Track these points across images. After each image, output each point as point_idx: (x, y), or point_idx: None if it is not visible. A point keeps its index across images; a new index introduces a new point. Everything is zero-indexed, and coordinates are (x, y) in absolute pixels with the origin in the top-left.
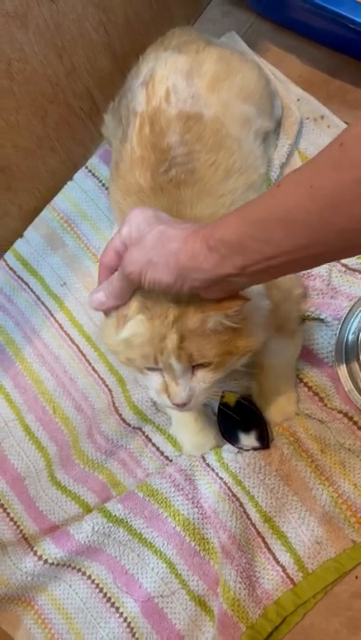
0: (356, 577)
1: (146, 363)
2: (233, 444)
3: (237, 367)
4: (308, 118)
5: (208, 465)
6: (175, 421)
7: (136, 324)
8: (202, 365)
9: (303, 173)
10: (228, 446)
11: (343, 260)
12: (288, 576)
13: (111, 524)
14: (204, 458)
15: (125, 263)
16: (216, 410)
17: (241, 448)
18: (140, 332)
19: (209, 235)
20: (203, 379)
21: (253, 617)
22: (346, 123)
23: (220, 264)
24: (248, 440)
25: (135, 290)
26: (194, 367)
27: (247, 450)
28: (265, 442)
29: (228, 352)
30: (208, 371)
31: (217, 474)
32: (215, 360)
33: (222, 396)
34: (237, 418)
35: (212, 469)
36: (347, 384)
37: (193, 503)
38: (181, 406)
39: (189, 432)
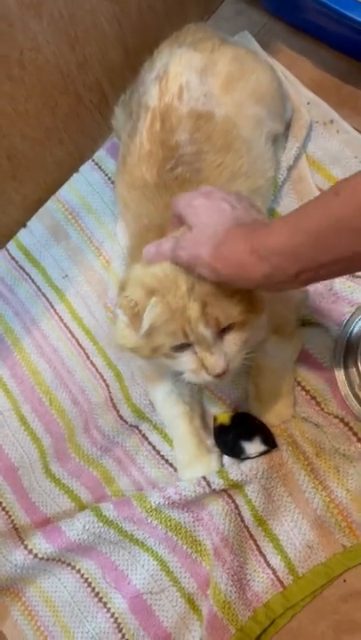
0: (345, 580)
1: (175, 340)
2: (240, 458)
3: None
4: (317, 122)
5: (208, 484)
6: (176, 443)
7: (153, 309)
8: (228, 329)
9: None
10: (230, 462)
11: None
12: (278, 579)
13: (102, 525)
14: (205, 478)
15: (178, 245)
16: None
17: (248, 457)
18: (160, 313)
19: (259, 244)
20: (233, 341)
21: (243, 619)
22: (355, 129)
23: (272, 273)
24: (254, 447)
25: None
26: (221, 332)
27: (255, 456)
28: (271, 443)
29: (249, 310)
30: (235, 332)
31: (218, 489)
32: (240, 318)
33: (215, 419)
34: (237, 431)
35: (215, 490)
36: (344, 389)
37: (185, 510)
38: (221, 375)
39: (190, 456)
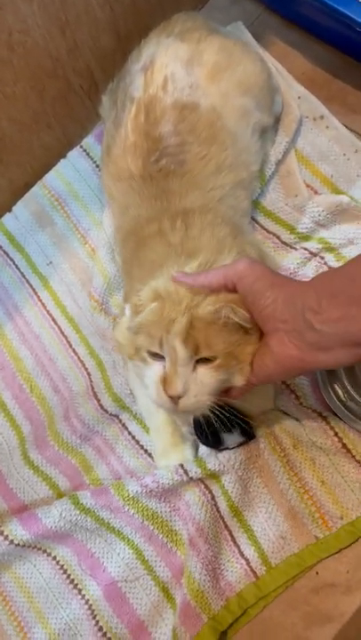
0: (317, 573)
1: (151, 344)
2: (219, 449)
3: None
4: (307, 117)
5: (186, 472)
6: (152, 431)
7: (151, 310)
8: (205, 362)
9: None
10: (207, 451)
11: (330, 263)
12: (252, 569)
13: (79, 513)
14: (183, 467)
15: (243, 265)
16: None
17: (227, 448)
18: (152, 316)
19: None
20: (202, 376)
21: (215, 608)
22: (345, 125)
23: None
24: (232, 438)
25: (150, 280)
26: (196, 363)
27: (233, 447)
28: (250, 434)
29: (234, 355)
30: (210, 368)
31: (196, 477)
32: (220, 357)
33: None
34: (216, 422)
35: (192, 478)
36: (322, 385)
37: (162, 499)
38: (175, 401)
39: (164, 442)
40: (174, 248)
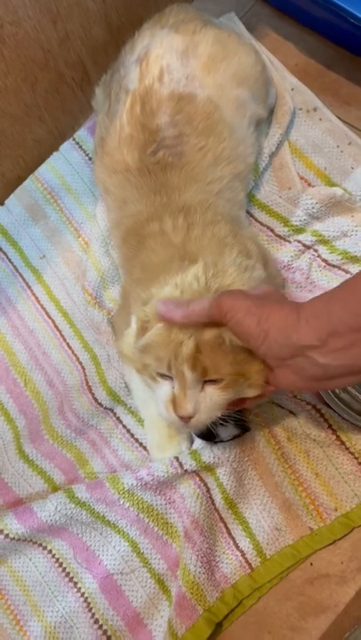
0: (311, 564)
1: (159, 367)
2: (213, 441)
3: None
4: (300, 109)
5: (181, 465)
6: (147, 423)
7: (157, 331)
8: (213, 382)
9: None
10: (202, 444)
11: (323, 255)
12: (247, 561)
13: (74, 506)
14: (178, 460)
15: (226, 306)
16: None
17: (222, 441)
18: (159, 337)
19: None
20: (211, 395)
21: (211, 600)
22: (338, 117)
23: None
24: (227, 431)
25: (153, 286)
26: (204, 383)
27: (228, 440)
28: (244, 426)
29: (241, 374)
30: (218, 388)
31: (190, 470)
32: (227, 378)
33: None
34: None
35: (187, 470)
36: None
37: (158, 492)
38: (186, 420)
39: (159, 435)
40: (176, 250)
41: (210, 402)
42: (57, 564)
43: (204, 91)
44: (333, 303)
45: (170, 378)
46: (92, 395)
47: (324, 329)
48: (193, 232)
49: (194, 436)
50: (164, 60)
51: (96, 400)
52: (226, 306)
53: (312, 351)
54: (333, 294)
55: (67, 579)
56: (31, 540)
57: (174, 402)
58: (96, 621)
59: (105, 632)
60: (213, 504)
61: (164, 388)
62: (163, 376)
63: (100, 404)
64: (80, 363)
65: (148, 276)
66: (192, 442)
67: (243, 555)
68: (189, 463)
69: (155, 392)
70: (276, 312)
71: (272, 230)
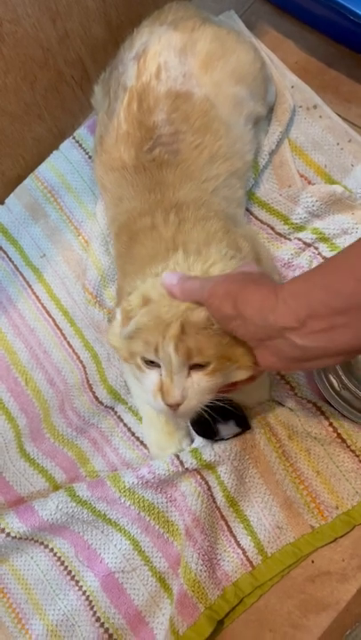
0: (313, 561)
1: (147, 352)
2: (213, 439)
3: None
4: (300, 107)
5: (182, 463)
6: (145, 421)
7: (144, 314)
8: (199, 367)
9: None
10: (203, 442)
11: (324, 253)
12: (248, 559)
13: (75, 505)
14: (179, 458)
15: (208, 291)
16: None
17: (222, 439)
18: (146, 321)
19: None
20: (198, 381)
21: (212, 598)
22: (338, 114)
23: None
24: (228, 429)
25: (143, 286)
26: (191, 368)
27: (229, 438)
28: (245, 424)
29: (227, 358)
30: (205, 374)
31: (191, 468)
32: (213, 362)
33: None
34: (212, 413)
35: (188, 469)
36: (316, 375)
37: (159, 490)
38: (174, 408)
39: (158, 432)
40: (165, 243)
41: (198, 387)
42: (58, 563)
43: (201, 89)
44: (313, 283)
45: (157, 366)
46: (93, 393)
47: (303, 310)
48: (184, 227)
49: (194, 434)
50: (162, 57)
51: (97, 399)
52: (207, 291)
53: (290, 333)
54: (313, 273)
55: (68, 577)
56: (33, 539)
57: (162, 389)
58: (98, 619)
59: (106, 630)
60: (214, 502)
61: (152, 377)
62: (150, 364)
63: (101, 403)
64: (81, 361)
65: (137, 269)
66: (192, 440)
67: (244, 552)
68: (190, 461)
69: (142, 382)
70: (254, 293)
71: (272, 228)
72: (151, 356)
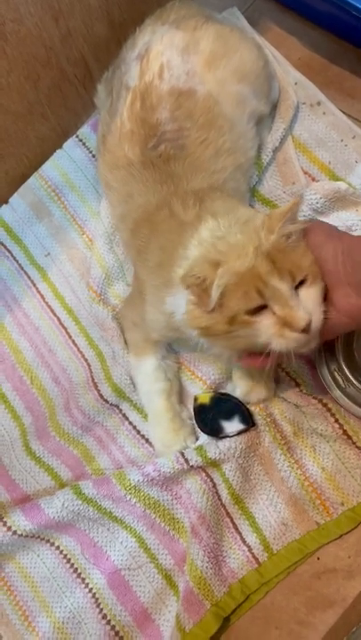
0: (318, 558)
1: (249, 303)
2: (218, 437)
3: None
4: (304, 103)
5: (187, 461)
6: (151, 418)
7: (221, 279)
8: (301, 284)
9: None
10: (208, 439)
11: None
12: (253, 556)
13: (81, 502)
14: (184, 455)
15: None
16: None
17: (227, 436)
18: (229, 280)
19: None
20: (309, 295)
21: (218, 595)
22: (342, 111)
23: None
24: (232, 426)
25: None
26: (296, 289)
27: (233, 435)
28: (250, 421)
29: (314, 264)
30: (310, 286)
31: (196, 465)
32: (309, 272)
33: (196, 399)
34: (217, 410)
35: (193, 466)
36: (321, 372)
37: (164, 488)
38: (307, 330)
39: (163, 429)
40: (190, 224)
41: (312, 301)
42: (65, 560)
43: (204, 86)
44: None
45: (263, 309)
46: (98, 391)
47: None
48: (204, 205)
49: (199, 431)
50: (165, 56)
51: (102, 397)
52: (309, 229)
53: None
54: None
55: (74, 574)
56: (39, 537)
57: (286, 321)
58: (104, 617)
59: (113, 627)
60: (220, 499)
61: (266, 322)
62: (255, 312)
63: (106, 401)
64: (85, 359)
65: (166, 257)
66: (197, 437)
67: (250, 550)
68: (195, 459)
69: (257, 334)
70: (350, 236)
71: None
72: (257, 302)
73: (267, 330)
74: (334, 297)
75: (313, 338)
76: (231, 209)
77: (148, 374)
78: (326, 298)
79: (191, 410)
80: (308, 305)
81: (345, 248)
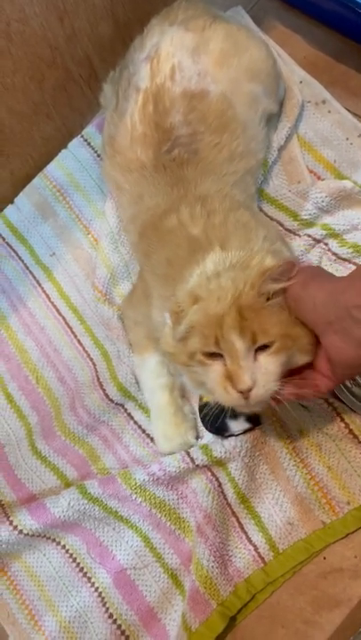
0: (325, 558)
1: (206, 346)
2: (224, 435)
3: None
4: (309, 102)
5: (192, 460)
6: (153, 412)
7: (196, 311)
8: (264, 349)
9: None
10: (213, 438)
11: (333, 249)
12: (259, 555)
13: (87, 502)
14: (189, 454)
15: None
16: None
17: (232, 434)
18: (198, 318)
19: None
20: (265, 364)
21: (224, 594)
22: (347, 109)
23: None
24: (238, 425)
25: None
26: (256, 352)
27: (239, 434)
28: (256, 420)
29: (289, 335)
30: (270, 355)
31: (202, 465)
32: (277, 340)
33: (201, 398)
34: (222, 409)
35: (198, 465)
36: None
37: (170, 487)
38: (246, 395)
39: (165, 422)
40: (199, 241)
41: (266, 371)
42: (71, 560)
43: (217, 86)
44: None
45: (219, 357)
46: (104, 391)
47: None
48: (215, 219)
49: (205, 430)
50: (176, 57)
51: (107, 396)
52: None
53: (357, 310)
54: None
55: (81, 574)
56: (45, 536)
57: (230, 377)
58: (110, 616)
59: (119, 627)
60: (225, 499)
61: (216, 369)
62: (210, 356)
63: (112, 400)
64: (91, 359)
65: (174, 271)
66: (198, 433)
67: (256, 549)
68: (201, 458)
69: (206, 377)
70: (324, 280)
71: (281, 224)
72: (212, 348)
73: (214, 377)
74: (325, 345)
75: (254, 404)
76: (244, 236)
77: (150, 370)
78: (319, 347)
79: (193, 405)
80: (259, 373)
81: (326, 296)
